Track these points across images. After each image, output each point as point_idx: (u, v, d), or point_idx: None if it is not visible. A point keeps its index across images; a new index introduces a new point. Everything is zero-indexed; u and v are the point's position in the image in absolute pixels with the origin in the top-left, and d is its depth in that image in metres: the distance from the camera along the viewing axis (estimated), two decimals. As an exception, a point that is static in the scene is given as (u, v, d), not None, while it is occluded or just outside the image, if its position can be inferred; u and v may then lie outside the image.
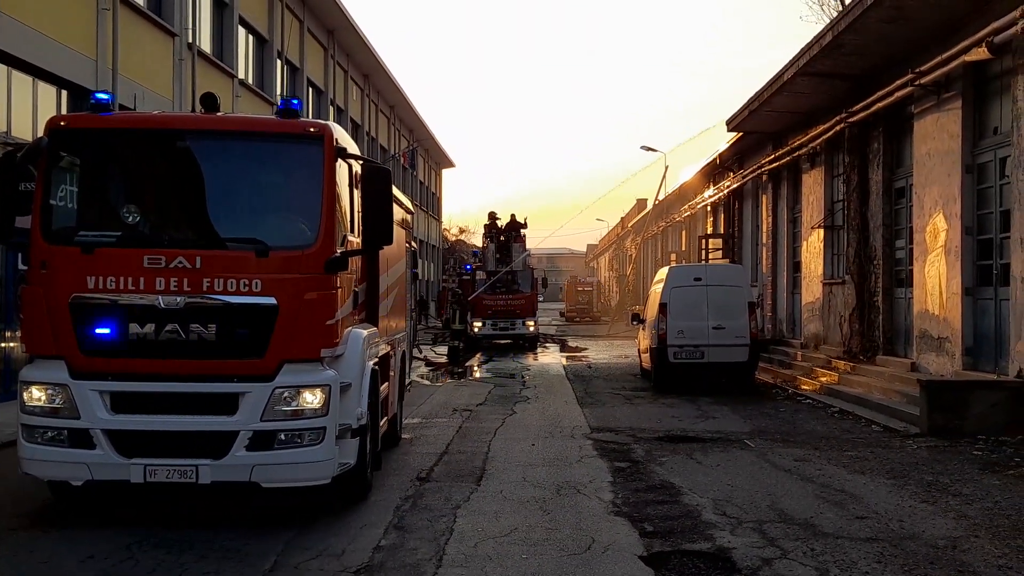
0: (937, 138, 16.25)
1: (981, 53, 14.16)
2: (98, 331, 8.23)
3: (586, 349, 36.31)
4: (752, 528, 8.47)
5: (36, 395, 8.32)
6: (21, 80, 17.04)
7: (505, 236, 36.86)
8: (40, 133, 8.83)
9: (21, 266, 14.46)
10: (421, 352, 31.18)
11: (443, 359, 30.30)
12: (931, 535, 8.25)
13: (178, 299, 8.17)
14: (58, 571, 7.21)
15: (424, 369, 27.21)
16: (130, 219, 8.64)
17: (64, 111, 17.94)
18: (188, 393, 8.24)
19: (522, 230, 37.15)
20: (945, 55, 15.22)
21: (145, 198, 9.01)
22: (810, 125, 22.80)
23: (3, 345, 16.29)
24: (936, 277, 16.13)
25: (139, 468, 8.14)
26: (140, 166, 9.17)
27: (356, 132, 41.85)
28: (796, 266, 25.62)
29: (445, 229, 77.47)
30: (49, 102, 17.93)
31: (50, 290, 8.28)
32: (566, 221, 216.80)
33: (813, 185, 23.58)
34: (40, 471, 8.42)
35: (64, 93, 18.40)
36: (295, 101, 8.99)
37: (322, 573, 7.17)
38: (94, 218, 8.83)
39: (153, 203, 9.01)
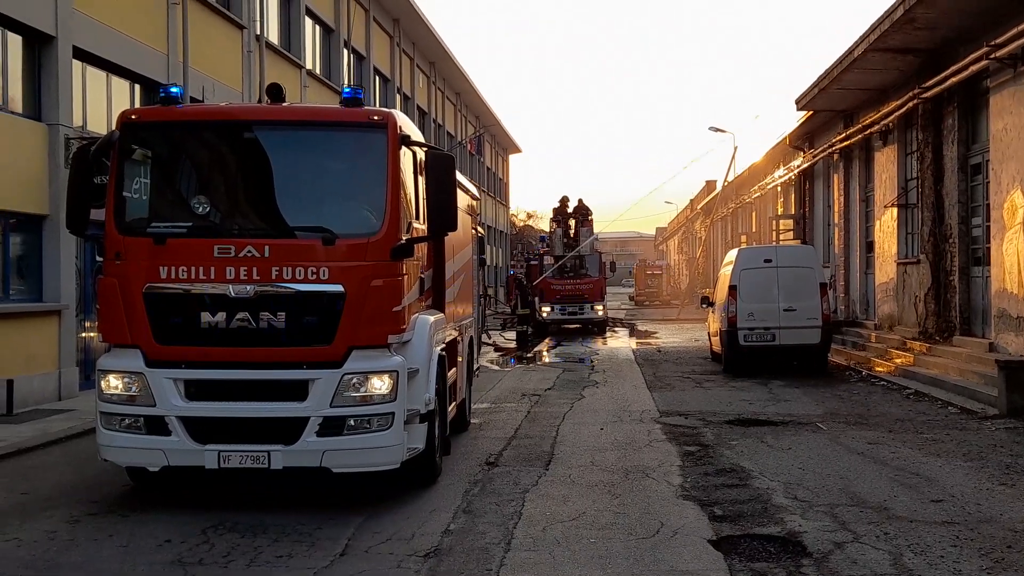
0: (1015, 112, 15.80)
1: (1060, 24, 13.75)
2: (171, 320, 8.41)
3: (655, 333, 36.10)
4: (824, 512, 8.36)
5: (113, 383, 8.53)
6: (95, 75, 17.45)
7: (573, 220, 36.74)
8: (113, 127, 9.02)
9: (98, 258, 14.85)
10: (490, 337, 31.31)
11: (512, 344, 30.37)
12: (1010, 518, 8.07)
13: (248, 288, 8.30)
14: (136, 555, 7.38)
15: (493, 354, 27.32)
16: (200, 209, 8.79)
17: (137, 105, 18.32)
18: (259, 380, 8.38)
19: (589, 215, 37.01)
20: (1022, 26, 14.78)
21: (214, 188, 9.18)
22: (881, 102, 22.33)
23: (82, 335, 16.73)
24: (1015, 255, 15.71)
25: (213, 454, 8.30)
26: (209, 157, 9.35)
27: (423, 119, 42.02)
28: (869, 246, 25.16)
29: (512, 215, 77.47)
30: (123, 96, 18.33)
31: (125, 280, 8.47)
32: (632, 205, 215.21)
33: (886, 163, 23.11)
34: (118, 457, 8.65)
35: (137, 87, 18.79)
36: (358, 90, 9.07)
37: (392, 557, 7.24)
38: (166, 209, 9.03)
39: (222, 193, 9.17)
